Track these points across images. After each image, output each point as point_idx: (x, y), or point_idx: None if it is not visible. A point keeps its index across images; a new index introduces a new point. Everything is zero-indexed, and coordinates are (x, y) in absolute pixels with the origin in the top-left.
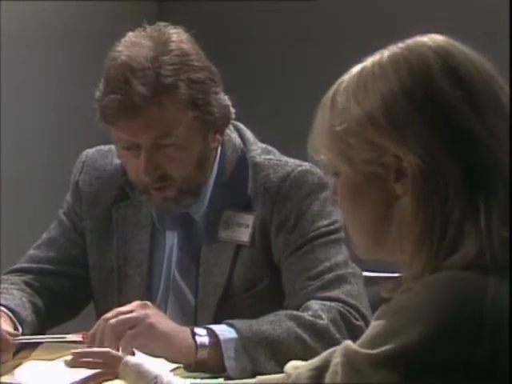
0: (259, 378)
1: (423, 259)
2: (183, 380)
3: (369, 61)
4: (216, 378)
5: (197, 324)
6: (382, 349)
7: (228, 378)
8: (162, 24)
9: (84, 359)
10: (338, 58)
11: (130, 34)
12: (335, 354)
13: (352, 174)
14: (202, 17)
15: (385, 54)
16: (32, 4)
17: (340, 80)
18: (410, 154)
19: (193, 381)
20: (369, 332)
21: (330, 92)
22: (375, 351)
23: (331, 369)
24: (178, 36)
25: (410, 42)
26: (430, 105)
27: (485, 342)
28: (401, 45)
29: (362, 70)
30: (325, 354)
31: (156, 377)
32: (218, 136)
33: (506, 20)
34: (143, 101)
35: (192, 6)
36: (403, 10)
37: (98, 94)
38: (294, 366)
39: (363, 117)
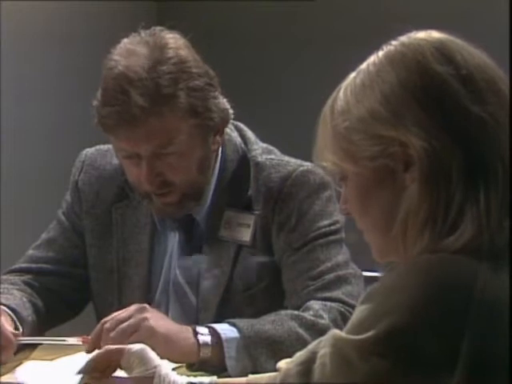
0: (251, 376)
1: (425, 240)
2: (179, 376)
3: (364, 63)
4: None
5: (198, 324)
6: (370, 333)
7: (227, 377)
8: (157, 28)
9: (94, 373)
10: (337, 58)
11: (125, 40)
12: (321, 345)
13: (359, 173)
14: (201, 17)
15: (379, 52)
16: (32, 4)
17: (338, 88)
18: (414, 139)
19: (188, 379)
20: (355, 317)
21: (330, 100)
22: (363, 336)
23: (319, 361)
24: (174, 42)
25: (402, 38)
26: (426, 90)
27: (475, 325)
28: (394, 42)
29: (359, 72)
30: (311, 346)
31: (156, 366)
32: (217, 138)
33: (506, 20)
34: (142, 112)
35: (191, 6)
36: (403, 9)
37: (96, 102)
38: (287, 363)
39: (364, 112)
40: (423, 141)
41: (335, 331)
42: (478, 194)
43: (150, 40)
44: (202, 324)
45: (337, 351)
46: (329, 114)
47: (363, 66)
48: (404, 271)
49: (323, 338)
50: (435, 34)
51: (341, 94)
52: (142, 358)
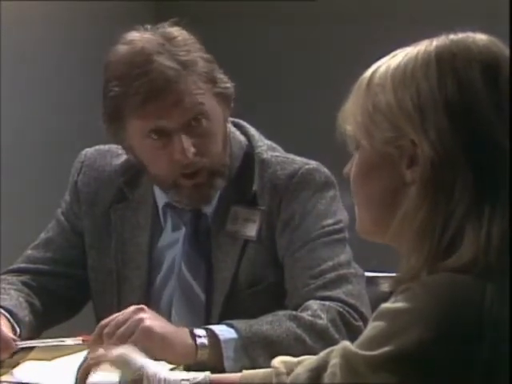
0: (245, 372)
1: (423, 255)
2: (170, 372)
3: (415, 47)
4: None
5: (207, 320)
6: (381, 350)
7: None
8: (158, 25)
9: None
10: (337, 58)
11: (128, 34)
12: (333, 355)
13: (370, 151)
14: (200, 16)
15: (433, 43)
16: (32, 4)
17: (381, 62)
18: (426, 144)
19: (180, 373)
20: (367, 333)
21: (370, 70)
22: (374, 353)
23: (329, 370)
24: (177, 28)
25: (460, 37)
26: (462, 104)
27: (484, 344)
28: (451, 37)
29: (407, 54)
30: (322, 354)
31: (141, 367)
32: (227, 123)
33: (506, 19)
34: (175, 74)
35: (190, 6)
36: (404, 9)
37: (115, 90)
38: (282, 361)
39: (393, 99)
40: (433, 151)
41: (346, 344)
42: (481, 218)
43: (155, 29)
44: (210, 321)
45: (346, 363)
46: (366, 83)
47: (414, 49)
48: (415, 292)
49: (335, 348)
50: (492, 47)
51: (383, 68)
52: (124, 364)
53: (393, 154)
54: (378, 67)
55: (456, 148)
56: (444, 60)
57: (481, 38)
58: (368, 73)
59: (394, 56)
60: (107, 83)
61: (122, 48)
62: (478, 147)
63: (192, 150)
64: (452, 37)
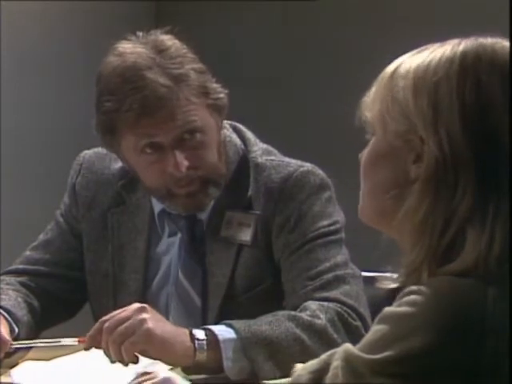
0: (265, 382)
1: (423, 250)
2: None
3: (443, 45)
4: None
5: (203, 325)
6: (384, 354)
7: (226, 378)
8: (151, 32)
9: None
10: (338, 59)
11: (120, 45)
12: (335, 357)
13: (382, 141)
14: (200, 16)
15: (461, 43)
16: (32, 4)
17: (407, 55)
18: (433, 142)
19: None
20: (370, 336)
21: (397, 61)
22: (376, 356)
23: (331, 372)
24: (168, 37)
25: (490, 41)
26: (477, 110)
27: (486, 349)
28: (480, 40)
29: (433, 51)
30: (324, 356)
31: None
32: (221, 131)
33: (506, 19)
34: (167, 91)
35: (190, 6)
36: (403, 10)
37: (108, 105)
38: (299, 369)
39: (412, 92)
40: (439, 150)
41: (349, 346)
42: (484, 221)
43: (145, 39)
44: (206, 324)
45: (349, 366)
46: (390, 73)
47: (441, 47)
48: (419, 296)
49: (337, 350)
50: None
51: (408, 61)
52: None
53: (402, 148)
54: (404, 60)
55: (463, 151)
56: (468, 61)
57: (507, 45)
58: (394, 64)
59: (421, 51)
60: (100, 97)
61: (113, 61)
62: (487, 153)
63: (185, 163)
64: (481, 40)
